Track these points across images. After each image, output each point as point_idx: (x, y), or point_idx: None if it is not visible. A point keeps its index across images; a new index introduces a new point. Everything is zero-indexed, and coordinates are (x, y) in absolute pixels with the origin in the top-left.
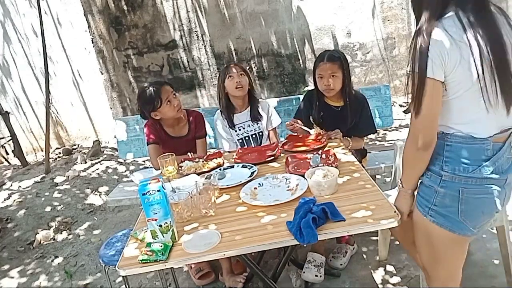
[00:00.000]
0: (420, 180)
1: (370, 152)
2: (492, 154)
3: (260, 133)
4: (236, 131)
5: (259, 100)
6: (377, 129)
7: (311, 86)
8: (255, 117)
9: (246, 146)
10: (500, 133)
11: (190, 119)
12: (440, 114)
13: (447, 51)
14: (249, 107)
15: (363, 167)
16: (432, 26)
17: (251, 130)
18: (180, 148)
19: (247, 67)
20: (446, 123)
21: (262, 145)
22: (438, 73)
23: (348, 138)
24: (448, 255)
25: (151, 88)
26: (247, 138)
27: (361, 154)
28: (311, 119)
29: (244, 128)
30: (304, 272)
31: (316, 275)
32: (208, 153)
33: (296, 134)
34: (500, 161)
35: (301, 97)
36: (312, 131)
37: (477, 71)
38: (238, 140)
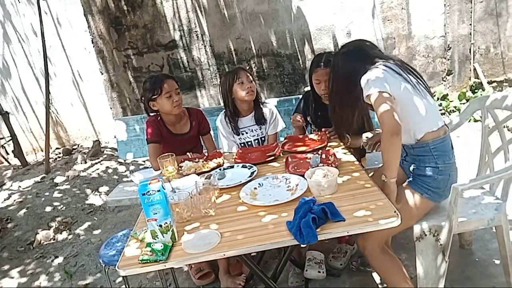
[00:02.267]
0: (417, 173)
1: (369, 152)
2: (450, 148)
3: (263, 138)
4: (239, 135)
5: (264, 103)
6: (377, 129)
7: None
8: (260, 120)
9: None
10: (444, 128)
11: (191, 116)
12: (413, 129)
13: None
14: (253, 112)
15: (362, 166)
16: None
17: (254, 135)
18: (182, 145)
19: (247, 67)
20: (422, 133)
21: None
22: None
23: (347, 135)
24: (422, 215)
25: (155, 78)
26: (249, 143)
27: (360, 153)
28: (308, 119)
29: (247, 133)
30: (306, 271)
31: (319, 271)
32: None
33: (296, 132)
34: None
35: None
36: (312, 136)
37: (410, 84)
38: (240, 144)
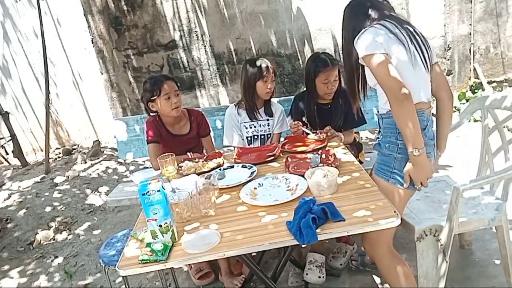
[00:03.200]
0: (377, 152)
1: (370, 152)
2: (425, 126)
3: (269, 135)
4: (246, 128)
5: (274, 102)
6: (375, 129)
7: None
8: (269, 112)
9: (252, 145)
10: (428, 104)
11: (191, 118)
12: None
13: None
14: (263, 107)
15: (361, 162)
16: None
17: (261, 130)
18: (181, 146)
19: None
20: None
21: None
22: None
23: (340, 134)
24: (401, 206)
25: (155, 78)
26: (255, 137)
27: (357, 148)
28: (304, 119)
29: (255, 127)
30: (307, 274)
31: (319, 277)
32: (213, 151)
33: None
34: (429, 132)
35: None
36: (312, 136)
37: (404, 46)
38: (247, 137)
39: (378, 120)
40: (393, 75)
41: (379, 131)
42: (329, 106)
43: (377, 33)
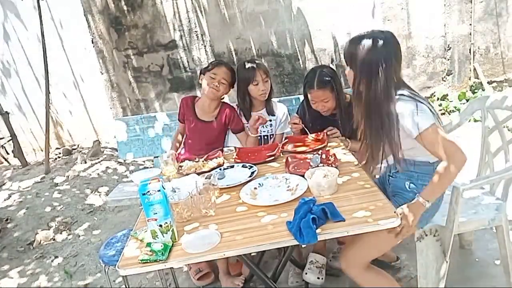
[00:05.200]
0: (413, 191)
1: None
2: None
3: (271, 135)
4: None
5: (277, 103)
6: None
7: None
8: (271, 112)
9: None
10: None
11: (222, 110)
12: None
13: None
14: (264, 108)
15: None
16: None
17: (264, 131)
18: (202, 133)
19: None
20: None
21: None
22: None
23: (348, 139)
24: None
25: (221, 61)
26: (258, 138)
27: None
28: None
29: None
30: (306, 274)
31: (318, 277)
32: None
33: (295, 134)
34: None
35: (301, 97)
36: (312, 136)
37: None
38: None
39: (407, 164)
40: (456, 146)
41: (397, 171)
42: (335, 116)
43: (421, 103)
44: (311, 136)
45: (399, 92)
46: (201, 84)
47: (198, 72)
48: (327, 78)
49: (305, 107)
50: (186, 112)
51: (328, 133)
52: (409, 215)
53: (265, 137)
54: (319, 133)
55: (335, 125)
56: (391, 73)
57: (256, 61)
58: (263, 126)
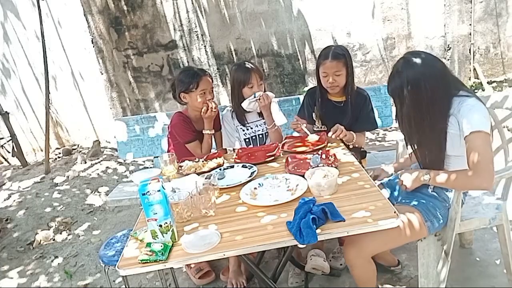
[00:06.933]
0: (433, 196)
1: (369, 152)
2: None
3: (267, 134)
4: (244, 130)
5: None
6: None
7: (310, 86)
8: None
9: (252, 146)
10: None
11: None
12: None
13: None
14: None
15: (363, 167)
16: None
17: (259, 130)
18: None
19: (255, 62)
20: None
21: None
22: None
23: (352, 132)
24: (410, 240)
25: (195, 71)
26: (253, 137)
27: (360, 154)
28: (313, 116)
29: (252, 128)
30: (311, 259)
31: (324, 260)
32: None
33: (298, 134)
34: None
35: (301, 97)
36: (311, 136)
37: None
38: (245, 139)
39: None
40: (490, 163)
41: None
42: (341, 104)
43: (485, 110)
44: (312, 136)
45: (465, 90)
46: (181, 102)
47: (173, 90)
48: (340, 52)
49: (317, 93)
50: (192, 128)
51: (333, 136)
52: (408, 178)
53: (260, 136)
54: (320, 132)
55: (341, 112)
56: (438, 85)
57: (252, 64)
58: (257, 126)
